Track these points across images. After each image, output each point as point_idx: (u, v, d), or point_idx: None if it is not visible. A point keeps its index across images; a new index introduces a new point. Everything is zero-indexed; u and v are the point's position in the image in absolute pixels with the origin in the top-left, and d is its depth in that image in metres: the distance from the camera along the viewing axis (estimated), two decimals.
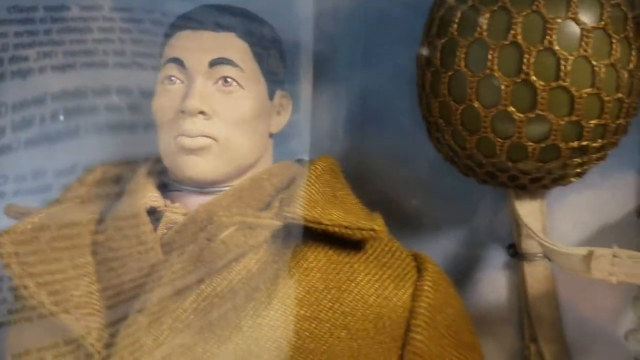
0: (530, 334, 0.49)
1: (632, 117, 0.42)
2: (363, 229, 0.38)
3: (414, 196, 0.51)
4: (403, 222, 0.51)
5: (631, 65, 0.38)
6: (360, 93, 0.50)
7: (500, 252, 0.50)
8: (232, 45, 0.41)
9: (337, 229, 0.38)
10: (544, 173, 0.41)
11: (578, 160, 0.40)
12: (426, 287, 0.40)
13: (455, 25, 0.39)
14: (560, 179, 0.43)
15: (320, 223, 0.38)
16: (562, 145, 0.39)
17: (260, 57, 0.42)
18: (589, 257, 0.41)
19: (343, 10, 0.49)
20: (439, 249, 0.50)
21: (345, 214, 0.39)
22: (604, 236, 0.48)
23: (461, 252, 0.50)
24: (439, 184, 0.50)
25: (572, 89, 0.37)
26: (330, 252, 0.39)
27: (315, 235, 0.39)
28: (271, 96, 0.43)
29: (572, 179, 0.44)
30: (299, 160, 0.45)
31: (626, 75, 0.38)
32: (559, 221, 0.49)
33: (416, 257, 0.41)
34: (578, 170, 0.42)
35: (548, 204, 0.48)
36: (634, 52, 0.38)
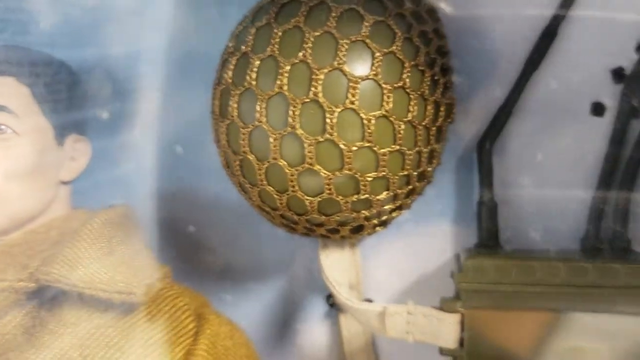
0: None
1: (432, 165, 0.41)
2: (122, 292, 0.36)
3: (232, 245, 0.49)
4: (222, 273, 0.49)
5: (410, 116, 0.37)
6: (168, 139, 0.48)
7: (320, 302, 0.48)
8: (9, 91, 0.39)
9: (93, 292, 0.36)
10: (335, 225, 0.40)
11: (365, 213, 0.39)
12: (200, 352, 0.37)
13: (230, 73, 0.37)
14: (359, 230, 0.41)
15: (76, 285, 0.35)
16: (339, 199, 0.37)
17: (45, 102, 0.40)
18: (383, 314, 0.40)
19: (152, 50, 0.47)
20: (259, 299, 0.48)
21: (116, 272, 0.37)
22: (421, 285, 0.46)
23: (280, 302, 0.48)
24: (257, 233, 0.48)
25: (340, 143, 0.35)
26: (97, 314, 0.37)
27: (83, 296, 0.36)
28: (60, 141, 0.41)
29: (377, 229, 0.43)
30: (112, 207, 0.42)
31: (403, 126, 0.36)
32: (376, 270, 0.47)
33: (199, 318, 0.39)
34: (375, 221, 0.41)
35: (364, 253, 0.47)
36: (413, 102, 0.37)
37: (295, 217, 0.39)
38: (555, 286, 0.39)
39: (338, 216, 0.38)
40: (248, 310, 0.48)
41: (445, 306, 0.40)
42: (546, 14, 0.43)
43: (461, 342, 0.40)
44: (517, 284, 0.40)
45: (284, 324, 0.48)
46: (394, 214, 0.42)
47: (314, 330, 0.48)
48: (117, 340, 0.36)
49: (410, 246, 0.46)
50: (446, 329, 0.40)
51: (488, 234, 0.43)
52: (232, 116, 0.37)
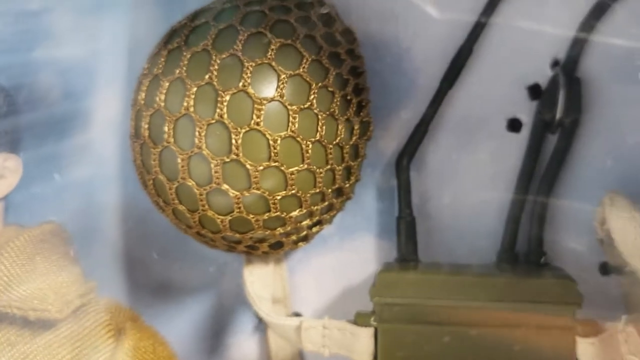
0: None
1: (349, 181, 0.41)
2: (36, 309, 0.36)
3: (162, 260, 0.49)
4: (153, 289, 0.49)
5: (318, 136, 0.38)
6: None
7: (249, 316, 0.49)
8: None
9: (8, 310, 0.36)
10: (252, 242, 0.41)
11: (280, 230, 0.40)
12: None
13: (142, 94, 0.38)
14: (279, 246, 0.42)
15: None
16: (250, 217, 0.38)
17: None
18: (299, 328, 0.41)
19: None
20: (188, 314, 0.49)
21: (35, 290, 0.38)
22: (347, 299, 0.47)
23: (210, 317, 0.49)
24: (185, 247, 0.49)
25: (247, 163, 0.36)
26: (13, 331, 0.37)
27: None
28: None
29: (300, 244, 0.43)
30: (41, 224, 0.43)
31: (311, 146, 0.37)
32: (303, 285, 0.48)
33: (119, 332, 0.40)
34: (294, 237, 0.42)
35: (291, 267, 0.48)
36: (322, 122, 0.38)
37: (211, 235, 0.40)
38: (467, 300, 0.40)
39: (252, 234, 0.39)
40: (179, 324, 0.49)
41: (359, 320, 0.41)
42: (463, 33, 0.44)
43: (375, 356, 0.41)
44: (429, 298, 0.40)
45: (214, 337, 0.49)
46: (314, 230, 0.43)
47: (243, 344, 0.49)
48: (32, 357, 0.37)
49: (336, 261, 0.47)
50: (360, 343, 0.40)
51: (407, 248, 0.44)
52: (144, 137, 0.38)
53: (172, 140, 0.37)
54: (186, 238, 0.47)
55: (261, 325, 0.49)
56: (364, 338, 0.40)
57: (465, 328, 0.40)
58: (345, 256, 0.47)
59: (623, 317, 0.38)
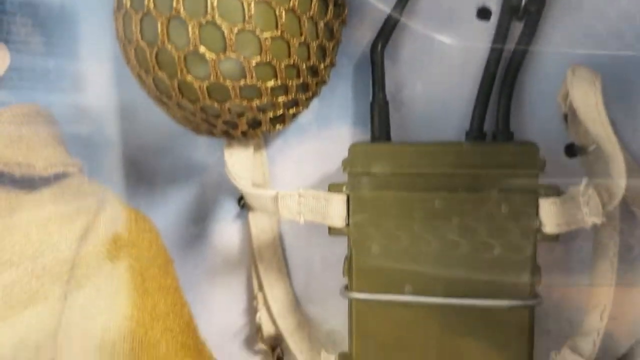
0: (258, 283, 0.50)
1: (324, 63, 0.43)
2: (21, 164, 0.38)
3: (144, 150, 0.51)
4: (135, 179, 0.51)
5: (292, 3, 0.40)
6: None
7: (232, 204, 0.51)
8: None
9: None
10: (230, 116, 0.42)
11: (257, 102, 0.42)
12: (99, 229, 0.40)
13: None
14: (258, 125, 0.44)
15: None
16: (227, 83, 0.40)
17: None
18: (276, 198, 0.43)
19: None
20: (171, 204, 0.51)
21: (20, 150, 0.40)
22: (324, 184, 0.49)
23: (193, 206, 0.51)
24: (167, 138, 0.51)
25: (222, 25, 0.38)
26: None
27: None
28: None
29: (278, 127, 0.45)
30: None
31: (284, 12, 0.39)
32: (283, 172, 0.50)
33: (103, 201, 0.42)
34: (271, 115, 0.43)
35: (271, 157, 0.50)
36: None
37: (191, 107, 0.42)
38: (435, 167, 0.42)
39: (230, 104, 0.41)
40: (164, 212, 0.51)
41: (332, 188, 0.43)
42: None
43: (347, 221, 0.43)
44: (398, 166, 0.43)
45: (197, 225, 0.51)
46: (291, 111, 0.44)
47: (225, 230, 0.51)
48: (8, 212, 0.39)
49: (313, 148, 0.49)
50: (333, 208, 0.43)
51: (380, 131, 0.46)
52: (126, 6, 0.40)
53: (152, 5, 0.39)
54: (173, 135, 0.50)
55: (243, 213, 0.51)
56: (337, 203, 0.43)
57: (432, 194, 0.42)
58: (322, 144, 0.49)
59: (584, 180, 0.40)
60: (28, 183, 0.39)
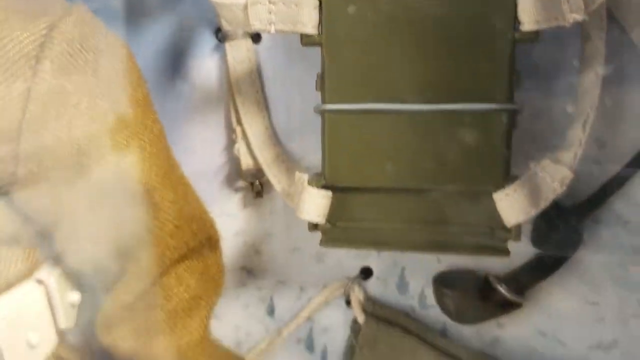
0: (236, 117, 0.49)
1: None
2: None
3: None
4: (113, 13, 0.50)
5: None
6: None
7: (209, 37, 0.50)
8: None
9: None
10: None
11: None
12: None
13: None
14: None
15: None
16: None
17: None
18: (246, 6, 0.41)
19: None
20: (148, 37, 0.50)
21: None
22: None
23: (170, 39, 0.50)
24: None
25: None
26: None
27: None
28: None
29: None
30: None
31: None
32: None
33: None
34: None
35: None
36: None
37: None
38: None
39: None
40: (143, 47, 0.49)
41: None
42: None
43: (319, 30, 0.41)
44: None
45: (175, 60, 0.50)
46: None
47: (203, 64, 0.50)
48: None
49: None
50: (304, 14, 0.41)
51: None
52: None
53: None
54: None
55: (221, 46, 0.49)
56: (309, 8, 0.41)
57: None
58: None
59: None
60: None
